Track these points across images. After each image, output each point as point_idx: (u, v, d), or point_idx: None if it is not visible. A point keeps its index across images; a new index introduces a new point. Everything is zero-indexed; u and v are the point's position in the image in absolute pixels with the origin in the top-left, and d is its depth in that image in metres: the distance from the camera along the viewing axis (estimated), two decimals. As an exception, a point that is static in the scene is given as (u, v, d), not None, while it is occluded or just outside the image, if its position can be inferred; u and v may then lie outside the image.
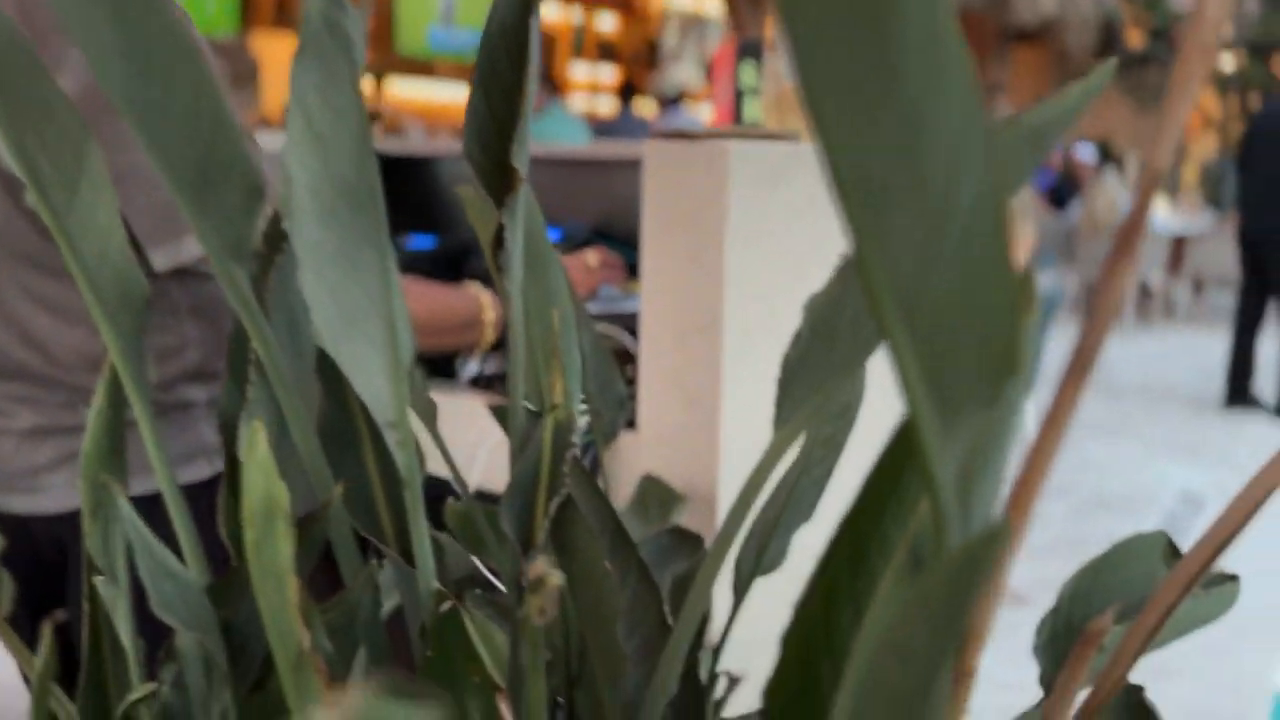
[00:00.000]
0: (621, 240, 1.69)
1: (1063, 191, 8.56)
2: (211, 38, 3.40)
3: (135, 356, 0.58)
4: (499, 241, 0.63)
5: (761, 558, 0.73)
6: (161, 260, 0.96)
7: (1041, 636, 0.61)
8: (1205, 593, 0.63)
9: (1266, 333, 5.82)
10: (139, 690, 0.55)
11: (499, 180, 0.63)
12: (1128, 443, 5.08)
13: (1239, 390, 5.76)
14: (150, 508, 0.67)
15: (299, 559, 0.44)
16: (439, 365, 1.47)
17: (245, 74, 3.24)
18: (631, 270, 1.55)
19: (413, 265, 1.65)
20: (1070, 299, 7.82)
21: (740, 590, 0.73)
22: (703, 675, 0.71)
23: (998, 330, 0.30)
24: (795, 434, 0.56)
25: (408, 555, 0.59)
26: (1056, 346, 5.16)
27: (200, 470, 1.04)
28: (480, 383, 1.45)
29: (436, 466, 0.79)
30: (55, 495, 1.02)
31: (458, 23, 8.86)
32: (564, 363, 0.74)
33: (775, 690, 0.44)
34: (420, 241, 1.87)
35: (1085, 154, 9.30)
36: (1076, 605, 0.62)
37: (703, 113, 8.79)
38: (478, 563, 0.72)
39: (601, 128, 6.88)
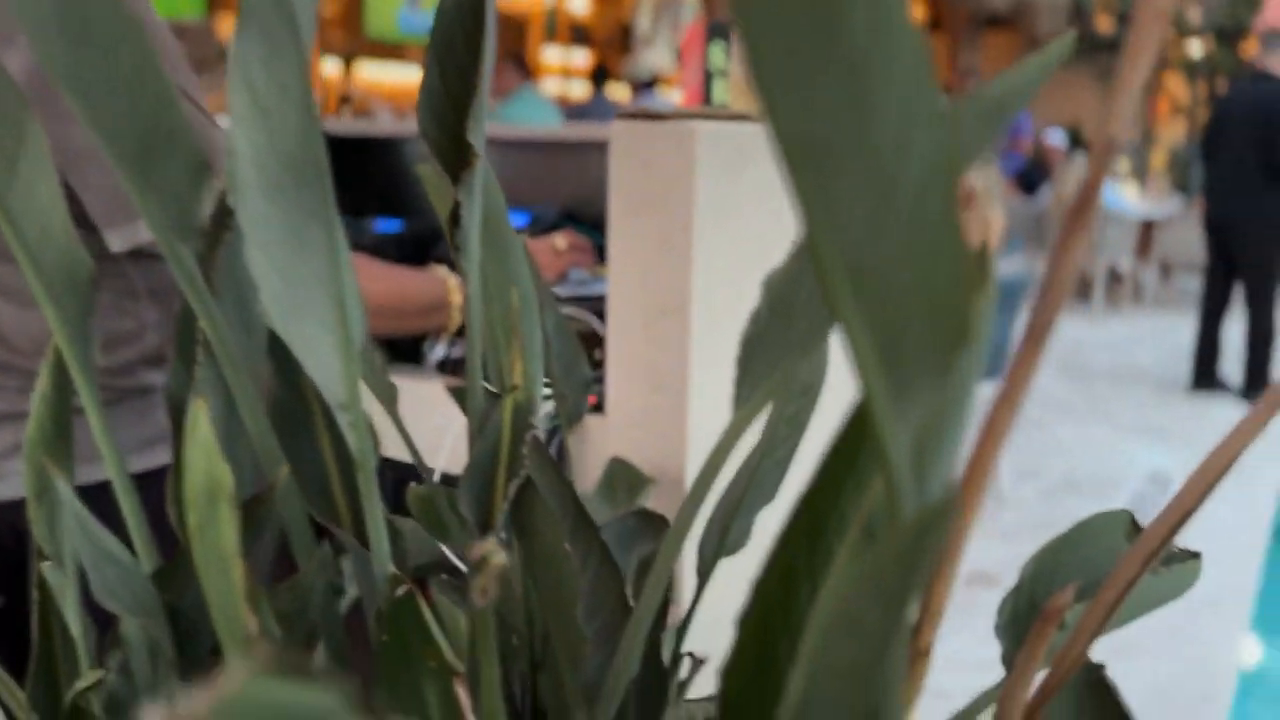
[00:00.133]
0: (591, 223, 1.68)
1: (1032, 176, 8.61)
2: (176, 21, 3.34)
3: (81, 339, 0.56)
4: (455, 219, 0.62)
5: (725, 539, 0.72)
6: (118, 242, 0.94)
7: (1003, 615, 0.60)
8: (1167, 569, 0.63)
9: (1232, 316, 5.88)
10: (86, 678, 0.53)
11: (455, 157, 0.62)
12: (1097, 425, 5.13)
13: (1205, 373, 5.83)
14: (106, 494, 0.66)
15: (246, 542, 0.43)
16: (405, 349, 1.46)
17: (210, 58, 3.19)
18: (601, 253, 1.54)
19: (380, 248, 1.63)
20: (1038, 284, 7.86)
21: (704, 572, 0.72)
22: (666, 657, 0.70)
23: (949, 299, 0.29)
24: (755, 413, 0.56)
25: (364, 540, 0.58)
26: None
27: (159, 456, 1.03)
28: (447, 367, 1.43)
29: (402, 451, 0.78)
30: (13, 482, 1.00)
31: (427, 6, 8.78)
32: (525, 344, 0.73)
33: (731, 671, 0.44)
34: (387, 225, 1.85)
35: (1055, 139, 9.36)
36: (1039, 584, 0.61)
37: (676, 97, 8.76)
38: (444, 548, 0.72)
39: (574, 111, 6.85)
